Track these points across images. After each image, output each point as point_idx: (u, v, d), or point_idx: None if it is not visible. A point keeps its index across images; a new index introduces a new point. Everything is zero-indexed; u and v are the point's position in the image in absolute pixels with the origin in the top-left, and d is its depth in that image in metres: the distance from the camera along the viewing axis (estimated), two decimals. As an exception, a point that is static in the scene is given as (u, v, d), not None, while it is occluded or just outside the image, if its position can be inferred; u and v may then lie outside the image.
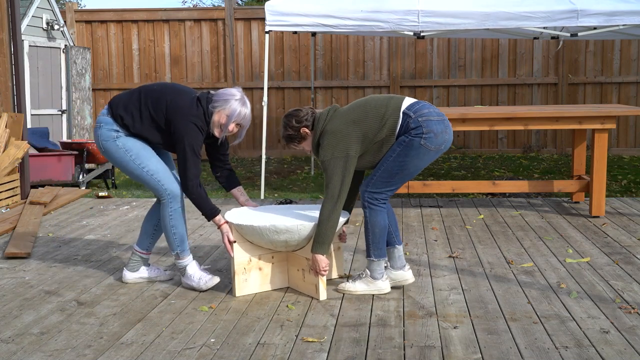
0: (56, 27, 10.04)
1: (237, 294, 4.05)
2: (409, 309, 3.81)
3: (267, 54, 7.46)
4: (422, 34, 7.03)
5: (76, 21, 11.47)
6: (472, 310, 3.77)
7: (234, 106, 4.01)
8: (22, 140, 7.30)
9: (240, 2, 21.30)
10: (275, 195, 7.95)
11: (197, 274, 4.19)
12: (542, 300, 3.93)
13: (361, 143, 3.87)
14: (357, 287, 4.07)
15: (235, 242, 4.00)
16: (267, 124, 10.88)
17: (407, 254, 4.99)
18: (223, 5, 11.55)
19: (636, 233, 5.55)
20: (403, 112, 3.89)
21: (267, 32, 7.16)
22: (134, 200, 7.41)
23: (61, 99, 10.18)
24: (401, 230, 5.77)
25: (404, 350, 3.23)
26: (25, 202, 7.04)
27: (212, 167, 4.38)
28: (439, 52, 11.13)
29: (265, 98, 7.39)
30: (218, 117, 4.03)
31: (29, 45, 9.51)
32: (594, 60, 10.92)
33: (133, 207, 7.01)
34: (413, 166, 3.90)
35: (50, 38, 10.07)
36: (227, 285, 4.28)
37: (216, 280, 4.19)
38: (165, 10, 11.51)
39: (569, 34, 7.26)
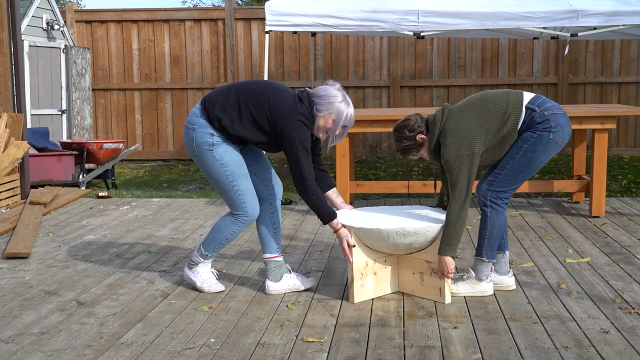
0: (56, 27, 10.04)
1: (355, 301, 3.89)
2: (409, 309, 3.81)
3: (267, 54, 7.46)
4: (422, 34, 7.03)
5: (76, 21, 11.47)
6: (472, 310, 3.77)
7: (340, 109, 3.82)
8: (22, 140, 7.30)
9: (240, 2, 21.29)
10: (275, 195, 7.94)
11: (205, 274, 4.13)
12: (542, 300, 3.93)
13: (484, 139, 3.78)
14: (460, 288, 3.97)
15: (354, 246, 3.84)
16: (267, 124, 10.87)
17: (407, 254, 4.99)
18: (223, 5, 11.55)
19: (636, 233, 5.55)
20: (526, 107, 3.81)
21: (267, 32, 7.16)
22: (134, 200, 7.41)
23: (61, 99, 10.18)
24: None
25: (404, 350, 3.23)
26: (25, 202, 7.04)
27: None
28: (439, 52, 11.13)
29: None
30: (324, 122, 3.82)
31: (29, 45, 9.51)
32: (594, 60, 10.92)
33: (133, 207, 7.01)
34: (540, 162, 3.82)
35: (50, 38, 10.07)
36: (227, 286, 4.28)
37: (220, 287, 4.14)
38: (165, 10, 11.51)
39: (569, 34, 7.25)
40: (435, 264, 3.85)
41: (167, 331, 3.52)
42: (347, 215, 4.05)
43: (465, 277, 3.99)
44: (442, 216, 3.98)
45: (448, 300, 3.87)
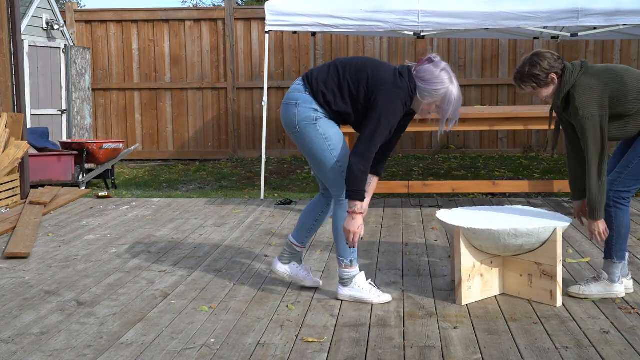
0: (56, 27, 10.04)
1: (462, 303, 3.82)
2: (409, 309, 3.81)
3: (267, 53, 7.46)
4: (422, 34, 7.03)
5: (76, 21, 11.47)
6: (472, 310, 3.76)
7: (447, 95, 3.62)
8: (22, 140, 7.30)
9: (240, 2, 21.29)
10: (275, 195, 7.94)
11: (366, 286, 3.89)
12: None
13: (611, 109, 3.69)
14: (592, 290, 3.90)
15: (362, 238, 3.66)
16: (267, 124, 10.88)
17: (407, 254, 4.99)
18: (223, 5, 11.55)
19: (636, 233, 5.54)
20: None
21: (267, 32, 7.16)
22: (133, 200, 7.41)
23: (61, 99, 10.18)
24: (401, 230, 5.78)
25: (404, 350, 3.23)
26: (25, 202, 7.04)
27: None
28: (439, 52, 11.12)
29: (265, 98, 7.39)
30: (427, 107, 3.69)
31: (29, 45, 9.51)
32: (594, 60, 10.91)
33: (133, 207, 7.01)
34: None
35: (50, 38, 10.07)
36: (227, 286, 4.28)
37: (388, 297, 3.91)
38: (165, 10, 11.51)
39: (569, 34, 7.25)
40: (546, 267, 3.79)
41: (167, 331, 3.52)
42: (450, 216, 3.98)
43: (599, 278, 3.91)
44: (549, 216, 3.92)
45: (559, 303, 3.79)
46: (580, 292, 3.91)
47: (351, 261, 3.90)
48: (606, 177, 3.70)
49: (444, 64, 3.66)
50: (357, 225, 3.67)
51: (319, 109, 3.75)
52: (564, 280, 4.28)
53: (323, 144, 3.75)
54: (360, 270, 3.99)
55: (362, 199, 3.64)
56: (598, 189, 3.68)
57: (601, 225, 3.75)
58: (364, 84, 3.67)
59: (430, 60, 3.68)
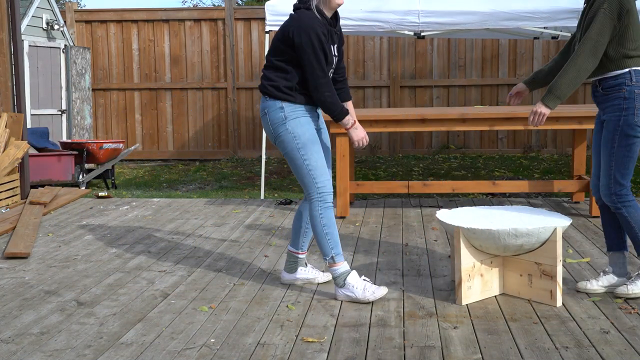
0: (56, 27, 10.05)
1: (462, 303, 3.83)
2: (409, 309, 3.81)
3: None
4: (422, 34, 7.03)
5: (76, 21, 11.47)
6: (472, 310, 3.76)
7: None
8: (22, 140, 7.30)
9: (240, 2, 21.29)
10: (275, 195, 7.95)
11: (360, 284, 3.88)
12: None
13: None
14: (635, 289, 3.85)
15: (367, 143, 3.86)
16: (267, 124, 10.88)
17: (407, 254, 4.99)
18: (223, 5, 11.55)
19: (636, 233, 5.54)
20: (633, 70, 3.72)
21: (267, 32, 7.16)
22: (133, 200, 7.41)
23: (61, 99, 10.18)
24: (401, 230, 5.78)
25: (404, 350, 3.23)
26: (25, 202, 7.04)
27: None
28: (439, 52, 11.13)
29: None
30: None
31: (29, 45, 9.51)
32: (594, 60, 10.91)
33: (133, 207, 7.01)
34: (638, 143, 3.74)
35: (50, 38, 10.07)
36: (227, 286, 4.28)
37: (384, 290, 3.92)
38: (165, 10, 11.51)
39: (569, 34, 7.25)
40: (546, 267, 3.78)
41: (167, 331, 3.52)
42: (450, 216, 3.99)
43: (635, 275, 3.89)
44: (549, 216, 3.91)
45: (559, 303, 3.79)
46: (630, 292, 3.84)
47: (333, 257, 3.92)
48: (586, 74, 3.68)
49: None
50: (361, 132, 3.95)
51: (283, 105, 3.88)
52: (564, 280, 4.28)
53: (292, 142, 3.89)
54: (352, 269, 4.01)
55: (346, 113, 3.89)
56: (569, 78, 3.66)
57: (545, 116, 3.73)
58: (280, 44, 3.84)
59: None
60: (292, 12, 3.91)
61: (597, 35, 3.64)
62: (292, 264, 4.21)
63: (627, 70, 3.72)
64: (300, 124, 3.89)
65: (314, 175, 3.90)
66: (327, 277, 4.24)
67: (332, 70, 3.98)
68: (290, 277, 4.23)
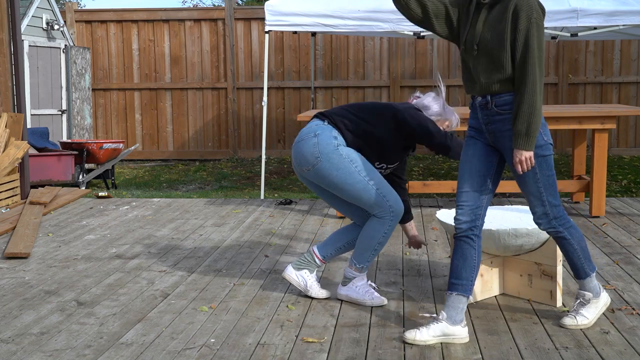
0: (56, 27, 10.05)
1: None
2: (409, 309, 3.81)
3: (267, 53, 7.46)
4: (422, 34, 7.02)
5: (76, 21, 11.47)
6: (472, 310, 3.76)
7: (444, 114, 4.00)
8: (22, 140, 7.30)
9: (240, 2, 21.30)
10: (275, 195, 7.95)
11: (364, 287, 3.86)
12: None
13: None
14: (589, 315, 3.50)
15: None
16: (267, 124, 10.88)
17: (407, 254, 4.99)
18: (223, 5, 11.55)
19: (636, 233, 5.55)
20: None
21: (267, 32, 7.16)
22: (133, 200, 7.41)
23: (61, 99, 10.18)
24: (401, 230, 5.77)
25: (404, 350, 3.23)
26: (25, 202, 7.04)
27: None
28: (439, 52, 11.13)
29: (265, 98, 7.39)
30: (441, 127, 3.99)
31: (29, 45, 9.51)
32: (594, 60, 10.92)
33: (133, 207, 7.01)
34: (551, 164, 3.36)
35: (50, 38, 10.07)
36: (227, 286, 4.28)
37: (383, 301, 3.86)
38: (165, 10, 11.51)
39: (569, 34, 7.25)
40: (546, 267, 3.76)
41: (167, 331, 3.52)
42: (450, 216, 3.98)
43: (587, 300, 3.51)
44: None
45: (559, 303, 3.78)
46: (579, 323, 3.47)
47: (362, 267, 3.87)
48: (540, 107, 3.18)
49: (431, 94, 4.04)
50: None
51: (338, 136, 3.76)
52: (563, 281, 4.28)
53: (349, 166, 3.70)
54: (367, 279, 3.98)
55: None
56: (535, 107, 3.14)
57: (531, 155, 3.22)
58: (384, 115, 3.86)
59: (418, 97, 4.06)
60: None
61: (540, 51, 3.15)
62: (304, 263, 3.99)
63: None
64: (353, 151, 3.77)
65: (383, 193, 3.73)
66: (321, 294, 4.00)
67: (388, 168, 3.99)
68: (292, 273, 3.99)
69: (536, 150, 3.27)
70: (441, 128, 3.96)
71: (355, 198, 3.75)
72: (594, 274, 3.51)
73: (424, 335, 3.28)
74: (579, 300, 3.52)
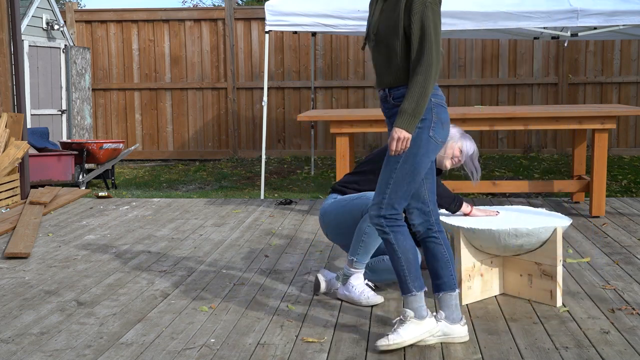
0: (56, 27, 10.04)
1: (462, 302, 3.81)
2: (409, 309, 3.81)
3: (267, 53, 7.46)
4: (422, 34, 7.01)
5: (76, 21, 11.47)
6: (472, 310, 3.76)
7: (464, 147, 4.07)
8: (22, 140, 7.30)
9: (240, 2, 21.29)
10: (275, 195, 7.94)
11: (360, 286, 3.87)
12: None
13: None
14: (404, 336, 3.22)
15: None
16: (267, 124, 10.88)
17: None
18: (223, 5, 11.55)
19: (636, 233, 5.54)
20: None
21: (267, 32, 7.16)
22: (133, 200, 7.41)
23: (61, 99, 10.18)
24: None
25: (404, 350, 3.23)
26: (25, 202, 7.04)
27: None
28: (439, 52, 11.11)
29: (265, 98, 7.39)
30: (451, 151, 4.08)
31: (29, 45, 9.51)
32: (594, 60, 10.92)
33: (133, 207, 7.01)
34: (424, 166, 3.21)
35: (50, 38, 10.07)
36: (227, 286, 4.28)
37: (380, 299, 3.87)
38: (165, 10, 11.50)
39: (569, 34, 7.25)
40: (546, 267, 3.76)
41: (167, 331, 3.52)
42: (452, 216, 3.99)
43: (405, 319, 3.24)
44: (549, 216, 3.89)
45: (559, 303, 3.78)
46: (391, 342, 3.19)
47: (353, 261, 3.90)
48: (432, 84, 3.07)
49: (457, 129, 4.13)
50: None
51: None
52: (563, 281, 4.28)
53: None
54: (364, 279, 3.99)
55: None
56: (428, 95, 3.04)
57: (408, 137, 3.06)
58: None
59: None
60: None
61: (436, 34, 3.07)
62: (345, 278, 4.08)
63: None
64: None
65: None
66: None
67: None
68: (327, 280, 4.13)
69: (415, 143, 3.13)
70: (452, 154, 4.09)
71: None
72: (421, 293, 3.24)
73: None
74: (399, 317, 3.27)
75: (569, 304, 3.83)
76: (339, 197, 4.15)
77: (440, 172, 4.13)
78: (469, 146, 4.06)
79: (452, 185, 6.48)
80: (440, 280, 3.33)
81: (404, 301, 3.26)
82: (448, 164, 4.09)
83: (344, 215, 4.03)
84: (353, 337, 3.40)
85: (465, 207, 3.99)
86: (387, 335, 3.22)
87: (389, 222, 3.20)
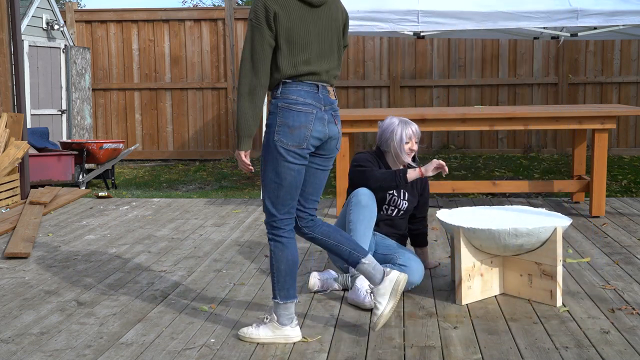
0: (56, 27, 10.05)
1: (462, 302, 3.83)
2: (409, 309, 3.81)
3: (267, 54, 7.44)
4: (422, 34, 7.02)
5: (76, 21, 11.47)
6: (472, 310, 3.77)
7: (394, 134, 4.15)
8: (22, 140, 7.30)
9: (240, 2, 21.29)
10: (275, 195, 7.94)
11: (365, 288, 3.85)
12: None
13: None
14: (260, 333, 3.35)
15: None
16: (267, 124, 10.86)
17: (407, 254, 4.99)
18: (223, 5, 11.55)
19: (636, 233, 5.55)
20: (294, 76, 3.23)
21: (267, 32, 7.14)
22: (133, 200, 7.41)
23: (61, 99, 10.18)
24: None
25: (404, 350, 3.23)
26: (25, 202, 7.04)
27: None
28: (439, 52, 11.13)
29: (265, 98, 7.37)
30: (394, 151, 4.17)
31: (29, 45, 9.51)
32: (594, 60, 10.92)
33: (133, 207, 7.01)
34: (285, 175, 3.19)
35: (50, 38, 10.07)
36: (227, 286, 4.28)
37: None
38: (165, 10, 11.50)
39: (569, 34, 7.25)
40: (546, 267, 3.76)
41: (167, 331, 3.52)
42: (450, 216, 4.00)
43: (267, 320, 3.37)
44: (551, 216, 3.89)
45: (559, 303, 3.79)
46: (247, 334, 3.35)
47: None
48: (261, 102, 3.16)
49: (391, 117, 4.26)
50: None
51: None
52: (563, 281, 4.28)
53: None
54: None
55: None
56: (252, 112, 3.11)
57: (244, 156, 3.17)
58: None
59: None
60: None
61: (252, 52, 3.10)
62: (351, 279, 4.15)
63: (277, 80, 3.22)
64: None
65: None
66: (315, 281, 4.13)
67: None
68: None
69: (264, 149, 3.20)
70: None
71: None
72: (286, 304, 3.30)
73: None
74: (265, 317, 3.41)
75: (569, 304, 3.83)
76: None
77: (411, 166, 4.18)
78: (399, 132, 4.15)
79: (452, 185, 6.48)
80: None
81: (273, 304, 3.37)
82: (406, 158, 4.15)
83: (342, 219, 4.16)
84: (353, 337, 3.40)
85: (413, 173, 4.02)
86: (250, 325, 3.41)
87: (271, 229, 3.27)
